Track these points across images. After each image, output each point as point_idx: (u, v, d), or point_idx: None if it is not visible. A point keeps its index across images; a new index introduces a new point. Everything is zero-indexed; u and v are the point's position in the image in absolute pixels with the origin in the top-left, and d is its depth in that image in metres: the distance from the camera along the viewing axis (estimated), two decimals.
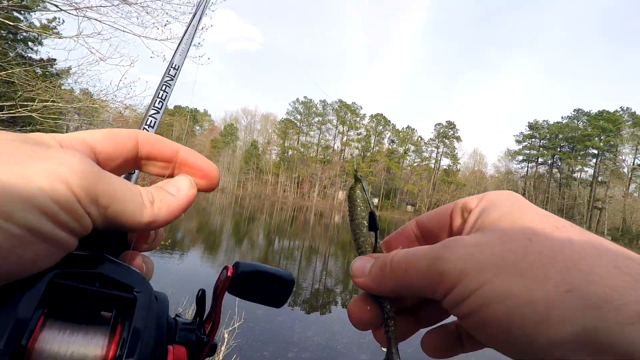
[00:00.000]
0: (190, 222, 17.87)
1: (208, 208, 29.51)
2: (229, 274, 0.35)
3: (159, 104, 0.52)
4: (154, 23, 5.83)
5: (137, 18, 5.73)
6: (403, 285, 0.29)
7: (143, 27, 5.81)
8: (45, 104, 5.45)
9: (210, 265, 9.80)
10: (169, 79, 0.57)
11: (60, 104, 5.68)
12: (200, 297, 0.36)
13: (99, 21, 5.47)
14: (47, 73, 10.11)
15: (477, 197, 0.31)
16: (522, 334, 0.23)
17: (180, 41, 0.62)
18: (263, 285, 0.36)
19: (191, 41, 0.64)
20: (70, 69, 7.10)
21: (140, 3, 5.61)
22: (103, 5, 5.42)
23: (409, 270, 0.28)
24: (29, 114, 5.24)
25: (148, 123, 0.48)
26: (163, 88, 0.55)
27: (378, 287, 0.31)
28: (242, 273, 0.35)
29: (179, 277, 7.53)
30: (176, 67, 0.59)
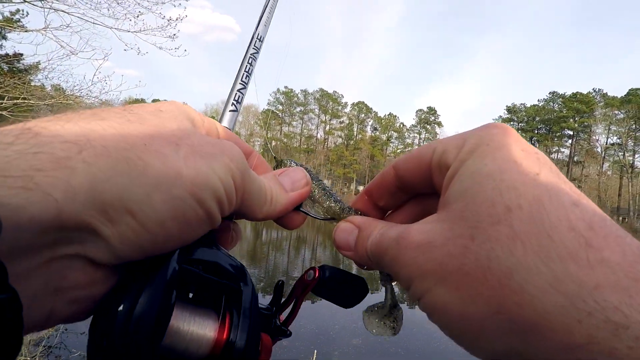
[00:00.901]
0: None
1: None
2: (316, 275, 0.37)
3: (245, 78, 0.51)
4: (125, 14, 5.62)
5: (108, 9, 5.52)
6: (383, 267, 0.31)
7: (115, 19, 5.60)
8: (15, 101, 5.22)
9: None
10: (254, 51, 0.54)
11: (31, 101, 5.46)
12: (279, 287, 0.38)
13: (67, 13, 5.24)
14: (14, 69, 9.65)
15: (458, 144, 0.28)
16: (462, 344, 0.24)
17: (263, 12, 0.60)
18: (341, 288, 0.39)
19: (273, 11, 0.62)
20: (40, 64, 6.80)
21: None
22: None
23: (381, 259, 0.30)
24: None
25: (236, 99, 0.48)
26: (249, 61, 0.53)
27: (364, 264, 0.33)
28: (327, 276, 0.37)
29: None
30: (261, 39, 0.57)
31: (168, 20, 6.12)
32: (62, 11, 5.21)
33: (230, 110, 0.47)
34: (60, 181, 0.17)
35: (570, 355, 0.18)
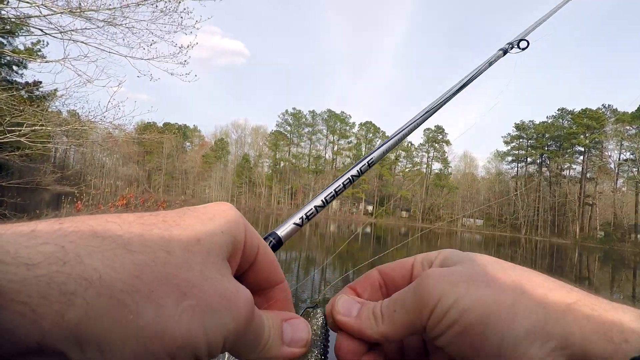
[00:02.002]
0: None
1: None
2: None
3: (330, 197, 0.49)
4: (139, 43, 5.85)
5: (123, 39, 5.76)
6: (394, 326, 0.31)
7: (129, 48, 5.84)
8: (33, 128, 5.40)
9: None
10: (357, 174, 0.52)
11: (48, 128, 5.64)
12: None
13: (85, 43, 5.48)
14: (33, 97, 10.03)
15: (436, 252, 0.35)
16: (494, 331, 0.27)
17: (385, 143, 0.59)
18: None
19: (396, 146, 0.61)
20: (57, 91, 7.06)
21: (126, 24, 5.64)
22: (88, 27, 5.43)
23: (397, 309, 0.31)
24: (17, 138, 5.18)
25: (307, 214, 0.46)
26: (345, 182, 0.51)
27: (367, 332, 0.32)
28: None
29: None
30: (371, 164, 0.55)
31: (180, 48, 6.35)
32: (81, 42, 5.46)
33: (294, 223, 0.44)
34: (55, 314, 0.18)
35: None
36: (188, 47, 6.46)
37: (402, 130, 0.63)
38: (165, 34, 6.09)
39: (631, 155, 57.52)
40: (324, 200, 0.47)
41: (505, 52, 0.82)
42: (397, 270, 0.37)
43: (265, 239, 0.39)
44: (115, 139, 9.38)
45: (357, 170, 0.52)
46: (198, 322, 0.22)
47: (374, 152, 0.56)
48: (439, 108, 0.69)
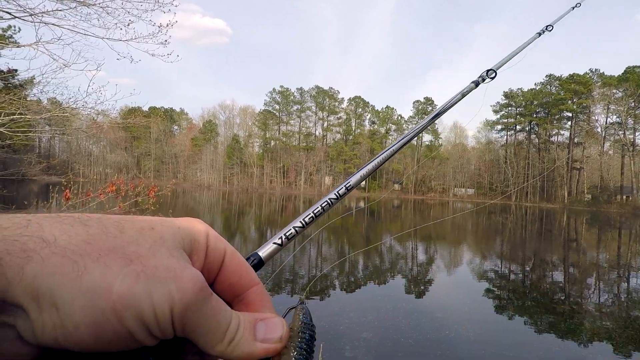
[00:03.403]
0: None
1: (196, 207, 29.18)
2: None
3: (309, 219, 0.50)
4: (116, 24, 5.60)
5: (98, 20, 5.50)
6: None
7: (105, 29, 5.59)
8: (12, 117, 5.23)
9: None
10: (335, 197, 0.54)
11: (28, 116, 5.46)
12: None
13: (58, 26, 5.23)
14: (9, 85, 9.65)
15: None
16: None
17: (366, 166, 0.61)
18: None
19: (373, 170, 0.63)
20: (34, 78, 6.80)
21: (100, 4, 5.38)
22: (59, 9, 5.17)
23: None
24: None
25: (287, 234, 0.47)
26: (323, 206, 0.52)
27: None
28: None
29: None
30: (349, 188, 0.57)
31: (159, 27, 6.10)
32: (53, 24, 5.21)
33: (274, 242, 0.45)
34: (16, 266, 0.22)
35: None
36: (167, 26, 6.22)
37: (379, 156, 0.66)
38: (142, 12, 5.82)
39: (617, 119, 58.22)
40: (302, 222, 0.49)
41: (477, 84, 0.93)
42: None
43: (247, 259, 0.39)
44: (99, 126, 9.15)
45: (335, 194, 0.54)
46: (142, 285, 0.24)
47: (352, 177, 0.58)
48: (414, 137, 0.73)
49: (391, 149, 0.67)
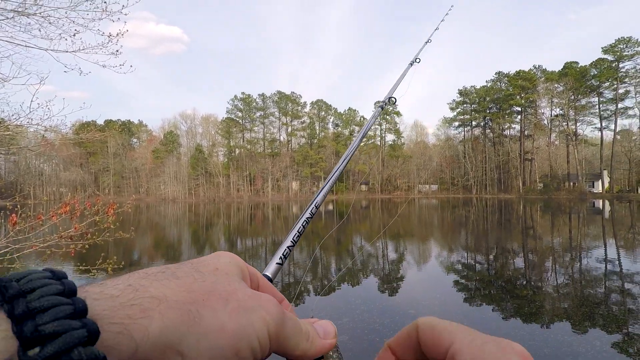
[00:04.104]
0: (144, 239, 16.89)
1: (161, 222, 28.04)
2: None
3: (297, 237, 0.58)
4: (60, 34, 5.29)
5: (40, 30, 5.17)
6: None
7: (49, 40, 5.26)
8: None
9: None
10: (310, 216, 0.63)
11: None
12: None
13: None
14: None
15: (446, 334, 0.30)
16: None
17: (327, 182, 0.74)
18: None
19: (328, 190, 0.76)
20: None
21: (40, 13, 5.06)
22: None
23: None
24: None
25: (283, 254, 0.53)
26: (303, 224, 0.61)
27: None
28: None
29: None
30: (318, 206, 0.67)
31: (108, 37, 5.83)
32: None
33: (276, 263, 0.52)
34: (142, 327, 0.24)
35: None
36: (118, 35, 5.95)
37: (331, 177, 0.81)
38: (89, 22, 5.53)
39: (560, 111, 62.74)
40: (292, 241, 0.57)
41: (382, 107, 1.20)
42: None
43: None
44: (49, 143, 8.60)
45: (310, 213, 0.65)
46: (244, 318, 0.28)
47: (317, 196, 0.69)
48: (350, 158, 0.93)
49: (338, 169, 0.85)
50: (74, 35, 5.39)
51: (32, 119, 5.31)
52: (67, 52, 5.27)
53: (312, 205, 0.67)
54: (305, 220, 0.62)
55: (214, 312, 0.27)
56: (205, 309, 0.27)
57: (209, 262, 0.32)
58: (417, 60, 1.62)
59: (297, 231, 0.60)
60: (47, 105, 5.40)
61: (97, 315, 0.23)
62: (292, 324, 0.32)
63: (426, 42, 1.83)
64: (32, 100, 4.88)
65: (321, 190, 0.72)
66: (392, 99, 1.21)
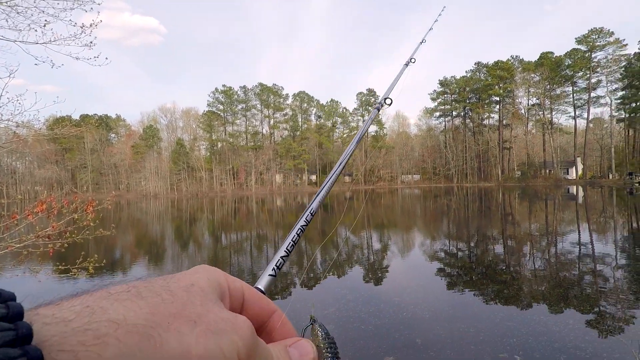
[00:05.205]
0: (126, 237, 16.54)
1: (143, 218, 27.50)
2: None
3: (290, 247, 0.56)
4: (29, 24, 5.06)
5: (7, 21, 4.93)
6: None
7: (17, 31, 5.03)
8: None
9: None
10: (304, 224, 0.61)
11: None
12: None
13: None
14: None
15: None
16: None
17: (318, 194, 0.70)
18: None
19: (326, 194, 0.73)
20: None
21: (7, 2, 4.83)
22: None
23: None
24: None
25: (277, 264, 0.52)
26: (298, 232, 0.58)
27: None
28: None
29: None
30: (313, 213, 0.64)
31: (81, 27, 5.62)
32: None
33: (269, 274, 0.50)
34: (94, 355, 0.21)
35: None
36: (91, 26, 5.74)
37: (327, 182, 0.77)
38: (60, 12, 5.31)
39: (537, 100, 64.41)
40: (286, 250, 0.55)
41: (379, 109, 1.19)
42: None
43: None
44: (22, 139, 8.28)
45: (305, 221, 0.62)
46: (213, 342, 0.26)
47: (312, 203, 0.67)
48: (346, 162, 0.88)
49: (335, 174, 0.81)
50: (44, 25, 5.17)
51: (2, 114, 5.10)
52: (37, 43, 5.06)
53: (308, 212, 0.64)
54: (300, 229, 0.60)
55: (179, 336, 0.25)
56: (169, 332, 0.25)
57: (184, 277, 0.31)
58: (413, 60, 1.63)
59: (292, 240, 0.57)
60: (17, 100, 5.19)
61: (45, 342, 0.21)
62: (262, 349, 0.31)
63: (420, 43, 1.84)
64: (0, 95, 4.68)
65: (317, 196, 0.70)
66: (388, 99, 1.21)
